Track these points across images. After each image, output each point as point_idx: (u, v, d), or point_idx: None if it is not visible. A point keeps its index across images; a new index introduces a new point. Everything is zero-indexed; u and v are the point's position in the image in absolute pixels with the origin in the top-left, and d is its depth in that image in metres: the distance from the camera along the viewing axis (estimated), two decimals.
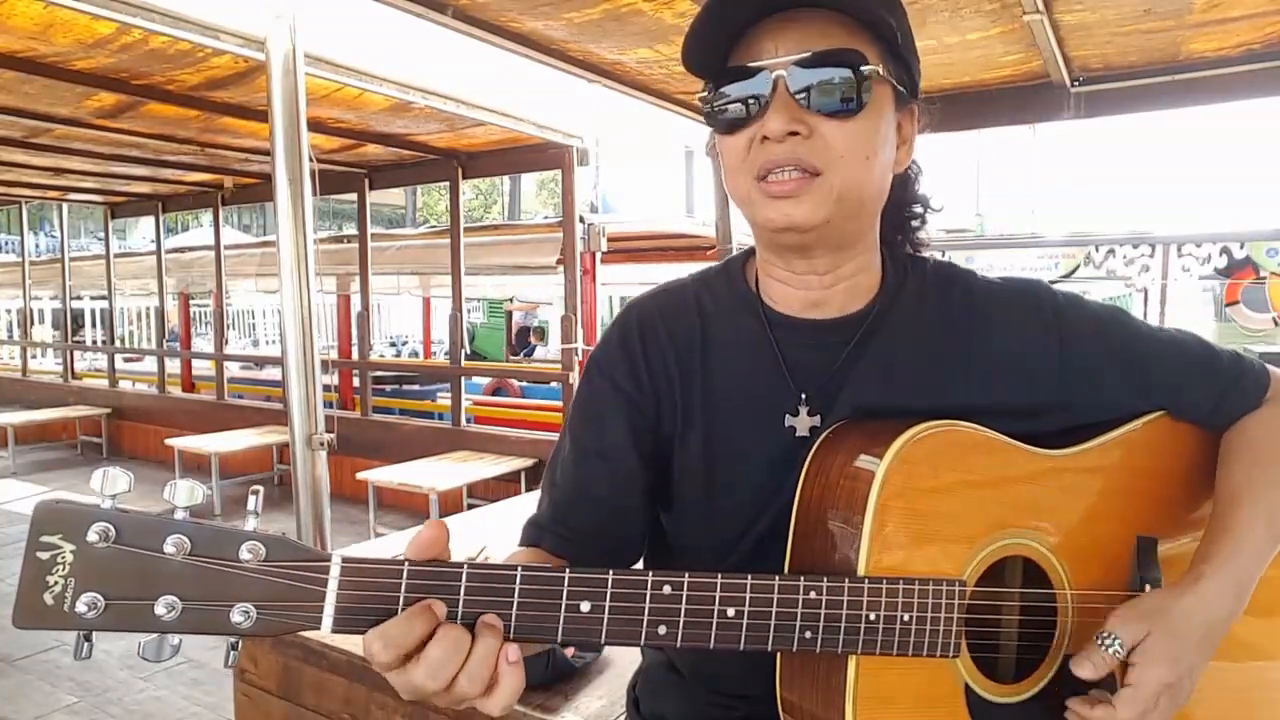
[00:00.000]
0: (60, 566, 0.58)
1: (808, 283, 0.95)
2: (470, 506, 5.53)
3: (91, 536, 0.58)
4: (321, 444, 3.07)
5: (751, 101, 0.86)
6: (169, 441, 7.00)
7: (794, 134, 0.84)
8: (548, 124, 5.34)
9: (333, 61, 3.90)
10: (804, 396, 0.94)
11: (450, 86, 4.58)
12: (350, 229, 10.66)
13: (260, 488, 0.63)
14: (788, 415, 0.94)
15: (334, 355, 9.03)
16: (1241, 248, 9.16)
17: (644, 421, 0.97)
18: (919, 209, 1.07)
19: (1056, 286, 1.03)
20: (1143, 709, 0.83)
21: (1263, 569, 0.90)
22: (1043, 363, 0.96)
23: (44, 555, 0.58)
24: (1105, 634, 0.84)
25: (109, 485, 0.59)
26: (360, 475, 5.67)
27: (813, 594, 0.76)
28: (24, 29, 3.47)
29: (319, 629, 0.62)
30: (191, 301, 10.57)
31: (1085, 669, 0.84)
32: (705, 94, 0.90)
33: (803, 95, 0.84)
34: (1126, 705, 0.83)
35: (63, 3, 3.02)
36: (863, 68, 0.84)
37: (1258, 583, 0.90)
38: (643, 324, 1.00)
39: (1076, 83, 3.30)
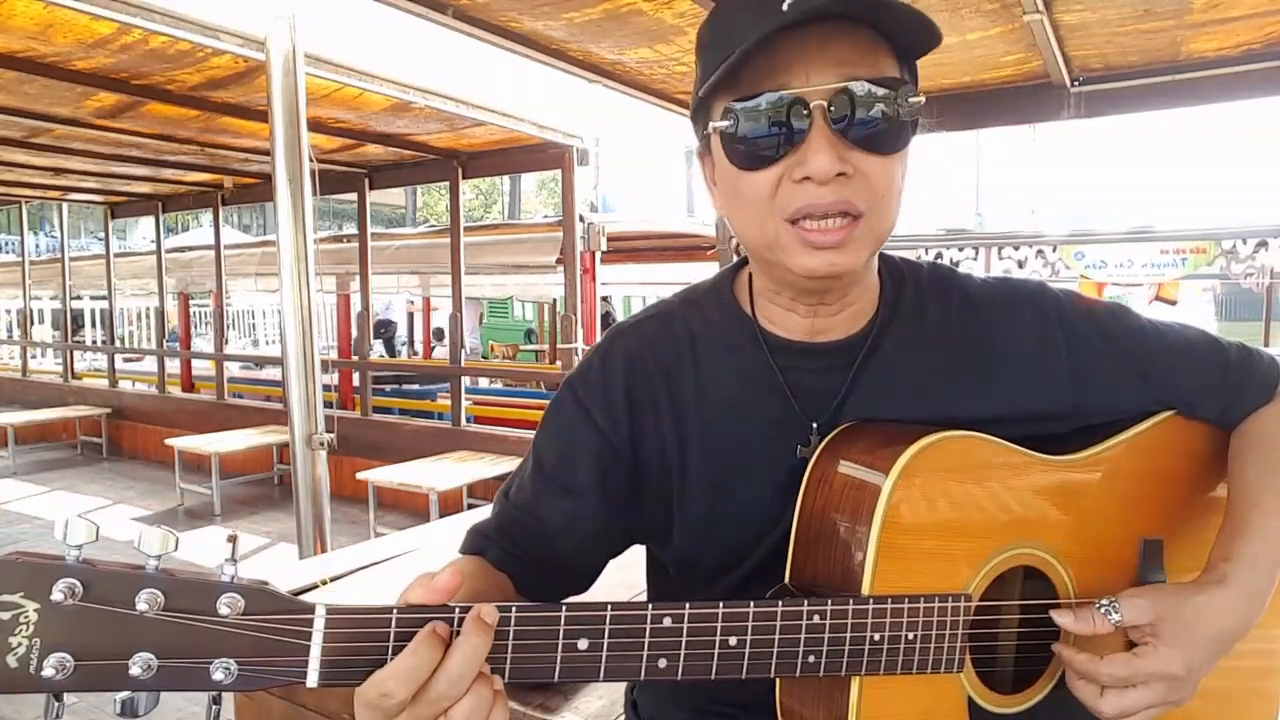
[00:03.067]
0: (24, 627, 0.54)
1: (815, 312, 0.90)
2: (470, 506, 5.51)
3: (56, 595, 0.54)
4: (321, 444, 3.06)
5: (788, 133, 0.75)
6: (169, 441, 6.98)
7: (841, 174, 0.75)
8: (548, 124, 5.32)
9: (333, 61, 3.89)
10: (815, 426, 0.90)
11: (450, 86, 4.56)
12: (350, 229, 10.64)
13: (238, 534, 0.60)
14: (800, 447, 0.90)
15: (334, 355, 9.01)
16: (1054, 250, 9.00)
17: (616, 465, 0.92)
18: None
19: (1056, 286, 1.00)
20: (1128, 677, 0.78)
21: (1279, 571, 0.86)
22: (1050, 365, 0.92)
23: (5, 615, 0.54)
24: (1107, 600, 0.80)
25: (73, 535, 0.55)
26: (360, 475, 5.67)
27: (816, 618, 0.74)
28: (24, 29, 3.46)
29: (304, 683, 0.59)
30: (191, 301, 10.56)
31: (1066, 618, 0.81)
32: (721, 121, 0.78)
33: (845, 128, 0.75)
34: (1115, 665, 0.78)
35: (63, 3, 3.02)
36: (911, 99, 0.76)
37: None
38: (629, 357, 0.94)
39: (1076, 83, 3.30)
